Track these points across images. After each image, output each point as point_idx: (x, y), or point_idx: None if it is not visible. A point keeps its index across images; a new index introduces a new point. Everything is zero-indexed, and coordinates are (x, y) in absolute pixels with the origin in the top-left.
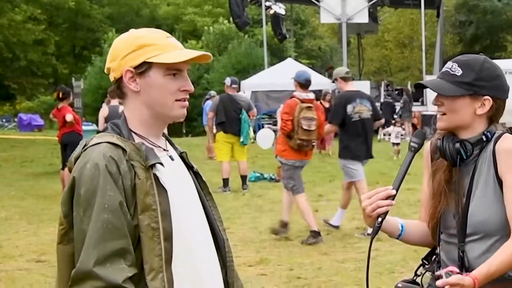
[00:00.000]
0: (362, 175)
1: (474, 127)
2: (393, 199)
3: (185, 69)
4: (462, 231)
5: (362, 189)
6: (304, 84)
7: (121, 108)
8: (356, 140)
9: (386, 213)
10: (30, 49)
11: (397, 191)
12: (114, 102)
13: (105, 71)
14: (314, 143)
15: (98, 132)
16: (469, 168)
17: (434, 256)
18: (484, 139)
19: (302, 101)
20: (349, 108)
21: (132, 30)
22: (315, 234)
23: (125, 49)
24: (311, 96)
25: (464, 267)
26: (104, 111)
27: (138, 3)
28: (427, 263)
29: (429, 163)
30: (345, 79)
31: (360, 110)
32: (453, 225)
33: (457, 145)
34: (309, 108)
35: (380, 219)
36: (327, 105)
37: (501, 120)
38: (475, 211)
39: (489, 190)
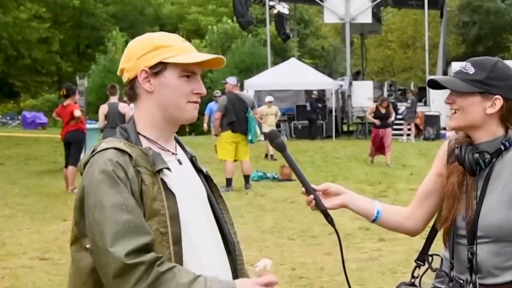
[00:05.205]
0: None
1: (486, 128)
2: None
3: (198, 73)
4: (472, 233)
5: None
6: None
7: (120, 105)
8: None
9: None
10: (35, 47)
11: (308, 189)
12: (114, 99)
13: (118, 73)
14: None
15: (101, 130)
16: (483, 173)
17: (430, 257)
18: (503, 148)
19: None
20: None
21: (148, 33)
22: None
23: (141, 49)
24: None
25: (473, 269)
26: (103, 108)
27: (142, 2)
28: (422, 263)
29: (444, 162)
30: None
31: None
32: (463, 226)
33: (476, 155)
34: None
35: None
36: (383, 110)
37: None
38: (488, 215)
39: (506, 197)
